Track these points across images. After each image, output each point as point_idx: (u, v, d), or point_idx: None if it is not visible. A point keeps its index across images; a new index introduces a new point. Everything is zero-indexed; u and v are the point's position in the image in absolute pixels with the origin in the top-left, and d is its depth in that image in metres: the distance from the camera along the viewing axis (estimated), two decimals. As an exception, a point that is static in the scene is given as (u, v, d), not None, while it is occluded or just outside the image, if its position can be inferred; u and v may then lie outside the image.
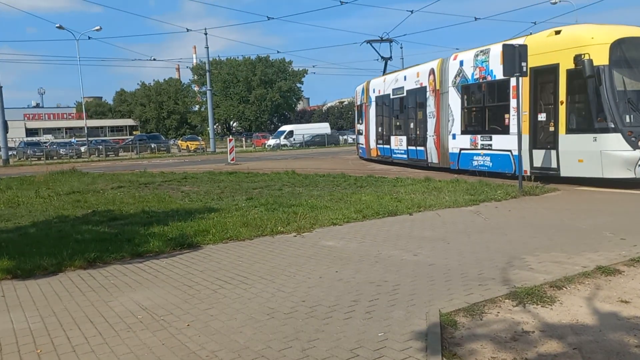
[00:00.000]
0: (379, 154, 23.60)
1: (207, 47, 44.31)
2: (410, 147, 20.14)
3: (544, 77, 13.16)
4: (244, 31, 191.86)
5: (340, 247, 7.08)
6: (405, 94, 20.51)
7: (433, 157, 18.33)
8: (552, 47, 12.77)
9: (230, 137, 29.05)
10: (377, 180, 15.37)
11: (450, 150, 17.13)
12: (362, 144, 26.42)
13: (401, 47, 49.10)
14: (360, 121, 26.57)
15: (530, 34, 14.54)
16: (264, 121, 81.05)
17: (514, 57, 11.22)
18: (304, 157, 33.24)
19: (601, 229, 7.68)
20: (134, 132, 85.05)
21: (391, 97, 21.87)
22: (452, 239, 7.27)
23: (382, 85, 22.98)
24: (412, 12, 20.28)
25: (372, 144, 24.30)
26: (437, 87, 17.71)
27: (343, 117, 79.25)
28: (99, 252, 6.94)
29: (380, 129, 23.48)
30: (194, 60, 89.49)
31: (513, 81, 13.29)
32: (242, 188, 14.78)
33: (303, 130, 53.20)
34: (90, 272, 6.32)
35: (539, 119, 13.23)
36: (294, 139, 50.27)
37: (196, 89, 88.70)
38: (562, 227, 7.95)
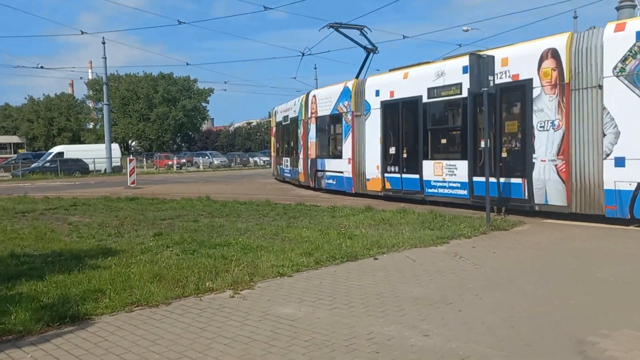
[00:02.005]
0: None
1: (105, 58, 40.41)
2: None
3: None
4: (146, 46, 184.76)
5: (305, 320, 4.83)
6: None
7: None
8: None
9: (131, 157, 25.68)
10: (310, 209, 13.25)
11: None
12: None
13: (315, 68, 47.63)
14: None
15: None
16: (166, 141, 76.59)
17: (482, 69, 9.61)
18: (215, 180, 30.36)
19: (629, 279, 6.03)
20: (20, 150, 77.45)
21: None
22: (457, 301, 5.25)
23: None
24: (336, 29, 18.42)
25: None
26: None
27: (251, 139, 76.75)
28: None
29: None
30: (90, 75, 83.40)
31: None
32: (147, 219, 12.08)
33: (77, 152, 41.89)
34: None
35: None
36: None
37: (91, 105, 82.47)
38: (581, 277, 6.20)
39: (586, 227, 9.90)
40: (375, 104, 15.75)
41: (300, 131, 20.90)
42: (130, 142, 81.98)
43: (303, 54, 23.87)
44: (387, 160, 15.38)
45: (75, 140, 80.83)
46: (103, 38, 39.90)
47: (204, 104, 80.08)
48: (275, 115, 26.91)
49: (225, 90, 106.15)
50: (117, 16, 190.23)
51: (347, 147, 17.18)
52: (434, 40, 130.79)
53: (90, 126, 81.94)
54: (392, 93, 15.07)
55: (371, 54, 19.50)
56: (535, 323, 4.55)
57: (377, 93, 15.64)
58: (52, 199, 17.37)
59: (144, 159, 53.52)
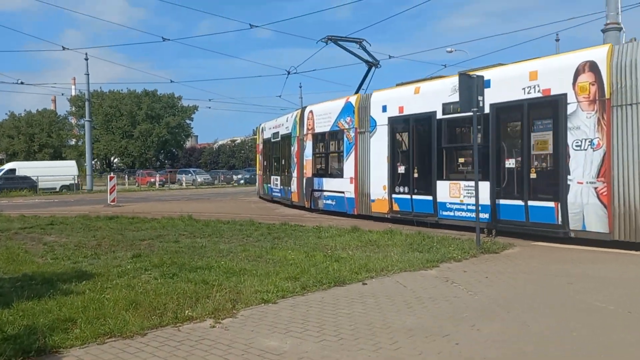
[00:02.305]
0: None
1: (88, 74, 39.82)
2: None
3: None
4: (131, 63, 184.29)
5: (292, 354, 4.48)
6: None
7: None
8: None
9: (112, 175, 25.09)
10: (295, 229, 12.91)
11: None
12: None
13: (300, 86, 47.54)
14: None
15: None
16: (149, 158, 75.83)
17: (472, 90, 9.43)
18: (198, 198, 29.84)
19: (630, 307, 5.78)
20: (-3, 166, 75.87)
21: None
22: (454, 333, 4.94)
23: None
24: (326, 42, 18.32)
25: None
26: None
27: (235, 156, 76.26)
28: None
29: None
30: (73, 92, 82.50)
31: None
32: (126, 239, 11.65)
33: (31, 169, 38.41)
34: None
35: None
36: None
37: (74, 121, 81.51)
38: (580, 306, 5.93)
39: (578, 251, 9.67)
40: (382, 120, 14.77)
41: (294, 148, 19.84)
42: (112, 159, 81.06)
43: (289, 73, 23.64)
44: (395, 180, 14.33)
45: (57, 156, 79.70)
46: (86, 54, 39.35)
47: (188, 121, 79.70)
48: (262, 132, 25.86)
49: (209, 107, 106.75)
50: (102, 33, 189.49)
51: (349, 166, 16.18)
52: (420, 61, 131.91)
53: (72, 142, 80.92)
54: (401, 109, 14.09)
55: (373, 68, 18.72)
56: None
57: (384, 109, 14.69)
58: (28, 217, 16.79)
59: (126, 176, 52.73)
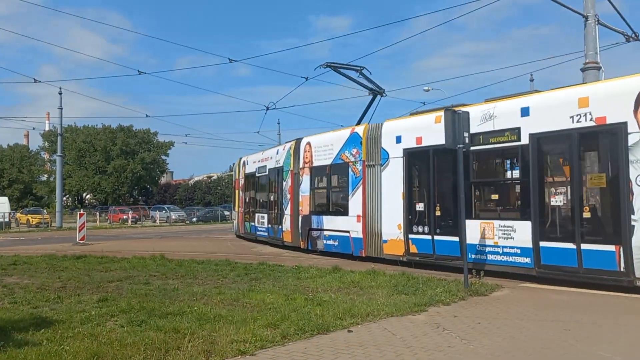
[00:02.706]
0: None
1: (61, 108, 39.01)
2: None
3: None
4: (106, 97, 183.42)
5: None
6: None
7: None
8: None
9: (82, 212, 24.15)
10: (273, 269, 12.35)
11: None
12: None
13: (278, 123, 47.36)
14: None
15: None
16: (122, 194, 74.38)
17: (455, 125, 9.17)
18: (172, 236, 28.97)
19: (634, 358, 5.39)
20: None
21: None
22: (452, 390, 4.47)
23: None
24: (306, 78, 18.24)
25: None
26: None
27: (211, 193, 75.31)
28: None
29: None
30: (47, 127, 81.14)
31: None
32: (93, 280, 10.95)
33: None
34: None
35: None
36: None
37: (46, 157, 79.92)
38: (586, 358, 5.52)
39: (567, 293, 9.29)
40: (395, 152, 13.36)
41: (287, 183, 18.15)
42: (85, 195, 79.34)
43: (267, 108, 23.33)
44: (412, 218, 12.90)
45: (27, 192, 77.79)
46: (60, 88, 38.68)
47: (163, 157, 78.71)
48: (243, 165, 23.72)
49: (186, 143, 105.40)
50: (77, 69, 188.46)
51: (355, 202, 14.62)
52: (399, 98, 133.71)
53: (44, 178, 79.13)
54: (419, 139, 12.68)
55: (378, 96, 17.43)
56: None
57: (399, 139, 13.27)
58: (-11, 257, 15.89)
59: (98, 213, 51.37)
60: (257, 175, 21.78)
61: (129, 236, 28.54)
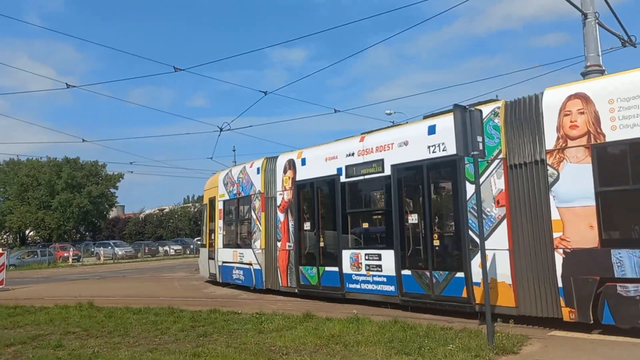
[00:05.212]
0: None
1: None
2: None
3: None
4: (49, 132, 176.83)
5: None
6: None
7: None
8: None
9: (2, 250, 20.63)
10: (228, 319, 9.79)
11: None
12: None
13: (234, 150, 44.80)
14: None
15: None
16: (67, 230, 69.73)
17: (465, 127, 6.99)
18: (113, 275, 25.55)
19: None
20: None
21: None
22: None
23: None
24: (265, 93, 16.04)
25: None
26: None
27: (163, 226, 71.48)
28: None
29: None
30: (-13, 161, 75.82)
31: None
32: (-15, 344, 8.16)
33: None
34: None
35: None
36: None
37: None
38: None
39: (606, 343, 7.14)
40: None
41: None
42: (27, 232, 74.10)
43: (221, 129, 20.71)
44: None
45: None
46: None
47: (112, 190, 74.58)
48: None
49: (132, 172, 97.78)
50: (25, 101, 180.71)
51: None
52: (365, 116, 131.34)
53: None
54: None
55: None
56: None
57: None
58: None
59: (38, 251, 47.03)
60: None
61: (62, 277, 25.07)
